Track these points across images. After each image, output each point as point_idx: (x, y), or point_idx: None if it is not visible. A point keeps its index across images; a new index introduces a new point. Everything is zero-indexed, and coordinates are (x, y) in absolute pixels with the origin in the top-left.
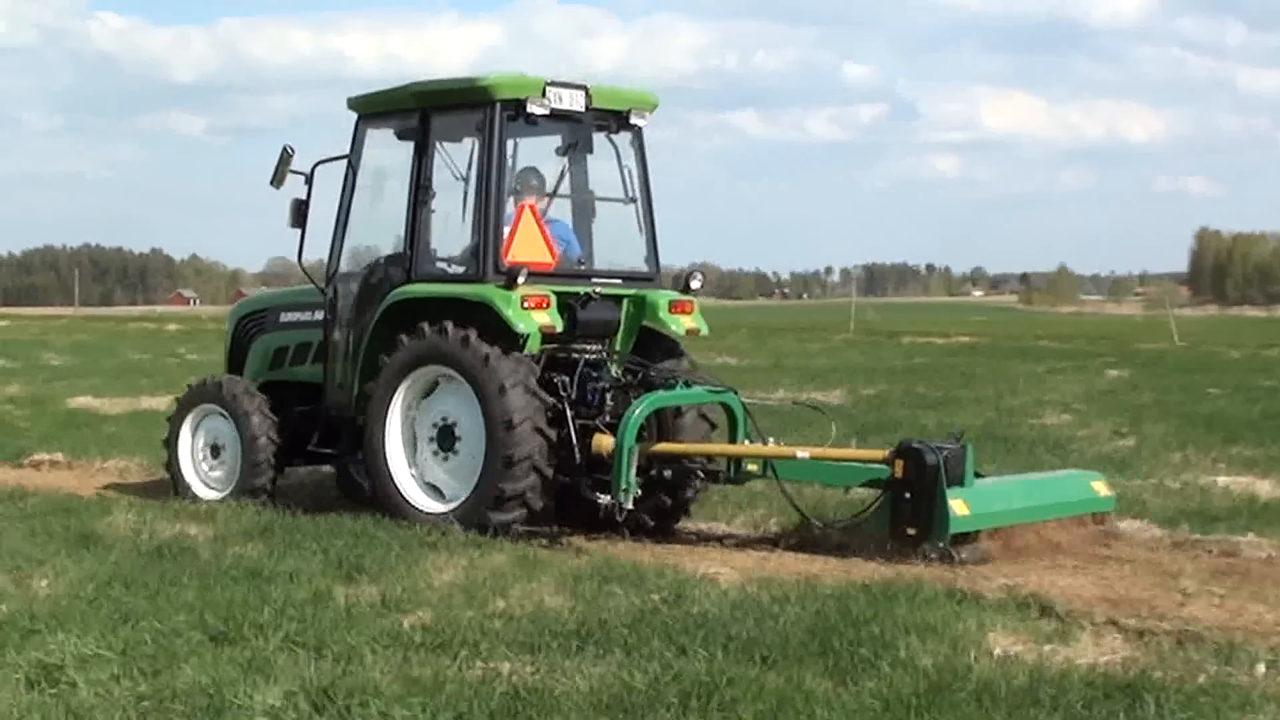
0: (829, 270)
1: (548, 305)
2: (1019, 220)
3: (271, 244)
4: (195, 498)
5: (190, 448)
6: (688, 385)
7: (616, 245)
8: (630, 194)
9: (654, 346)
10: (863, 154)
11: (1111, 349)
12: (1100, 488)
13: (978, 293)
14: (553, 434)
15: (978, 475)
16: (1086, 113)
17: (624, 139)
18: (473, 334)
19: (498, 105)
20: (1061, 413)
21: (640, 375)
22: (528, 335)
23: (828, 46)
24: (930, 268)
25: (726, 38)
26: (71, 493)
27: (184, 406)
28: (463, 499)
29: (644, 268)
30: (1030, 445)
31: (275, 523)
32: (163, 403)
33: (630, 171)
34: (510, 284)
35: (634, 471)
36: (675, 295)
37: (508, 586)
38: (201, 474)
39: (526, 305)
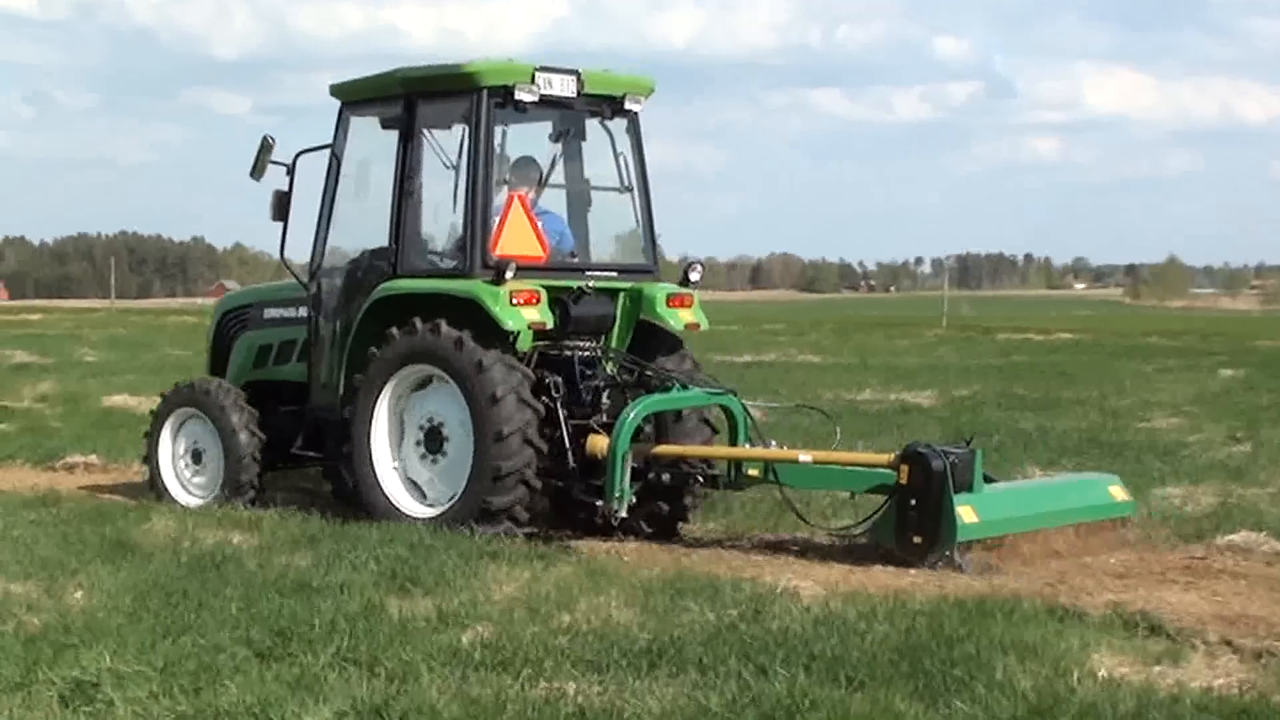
0: (918, 261)
1: (538, 301)
2: (1124, 207)
3: None
4: (180, 506)
5: (171, 454)
6: (685, 386)
7: (613, 237)
8: (626, 183)
9: (655, 343)
10: (955, 135)
11: (1225, 346)
12: (1118, 492)
13: (1079, 285)
14: (544, 445)
15: (988, 480)
16: (1198, 91)
17: (619, 125)
18: (467, 335)
19: (484, 92)
20: (1171, 416)
21: (636, 375)
22: (517, 333)
23: (917, 19)
24: (1028, 258)
25: (808, 10)
26: (107, 497)
27: (163, 411)
28: (447, 506)
29: (642, 260)
30: (1138, 452)
31: (324, 530)
32: None
33: (626, 159)
34: (498, 279)
35: (628, 478)
36: (673, 288)
37: (573, 600)
38: (184, 481)
39: (515, 301)
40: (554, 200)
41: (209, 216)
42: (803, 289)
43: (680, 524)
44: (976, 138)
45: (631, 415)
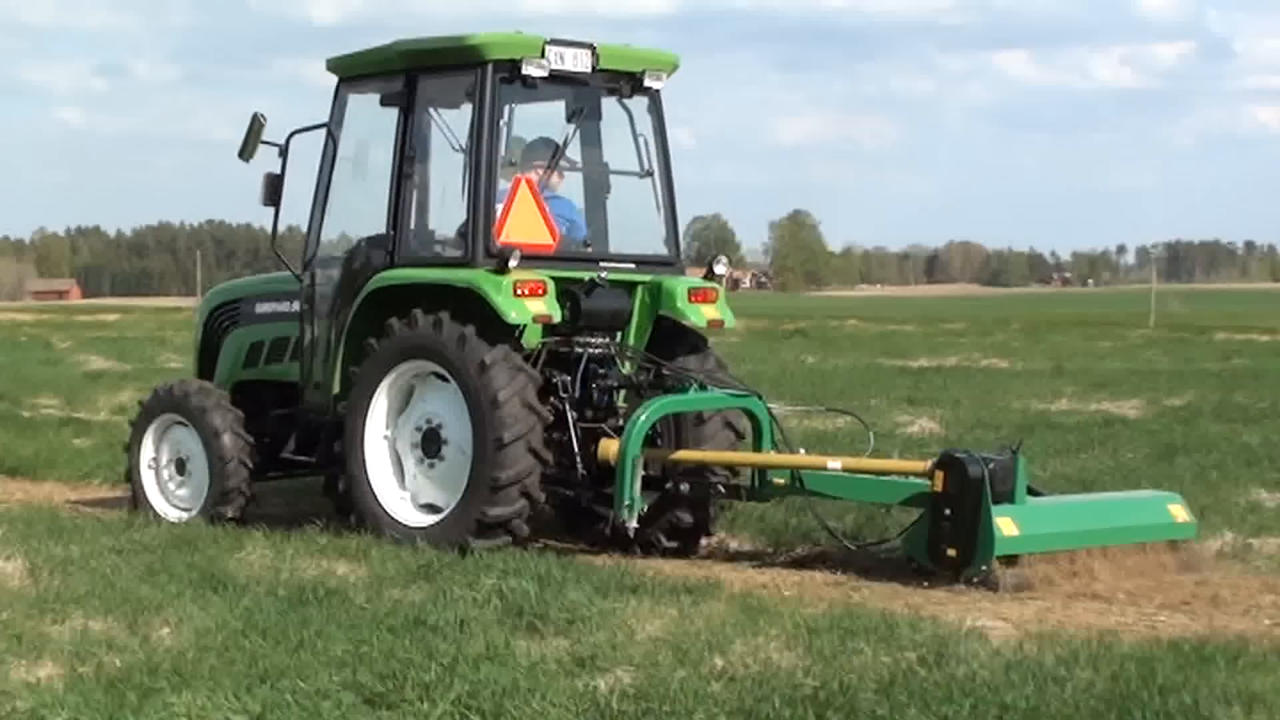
0: (1121, 250)
1: (544, 292)
2: None
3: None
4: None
5: (154, 464)
6: (703, 388)
7: (632, 226)
8: (646, 166)
9: (676, 341)
10: (1162, 104)
11: None
12: (1179, 512)
13: None
14: (548, 455)
15: (1033, 493)
16: None
17: (639, 104)
18: (470, 331)
19: (490, 67)
20: None
21: (652, 374)
22: (522, 326)
23: None
24: (1249, 246)
25: None
26: (196, 523)
27: (144, 418)
28: (443, 515)
29: (663, 251)
30: None
31: (440, 560)
32: None
33: (646, 140)
34: (501, 268)
35: (638, 486)
36: (696, 282)
37: (727, 641)
38: (167, 493)
39: (520, 292)
40: (568, 185)
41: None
42: (986, 283)
43: (703, 538)
44: (1188, 107)
45: (643, 418)
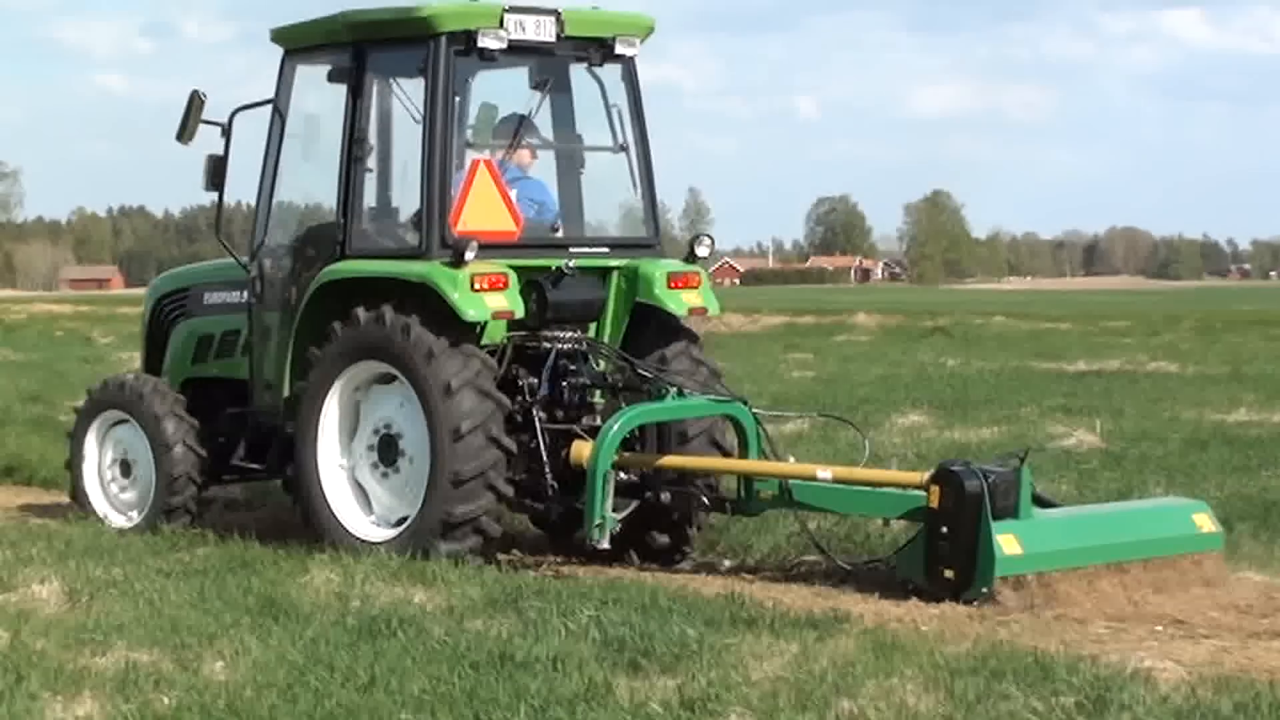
0: None
1: (505, 285)
2: None
3: None
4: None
5: (97, 466)
6: (681, 393)
7: (607, 206)
8: (620, 140)
9: (656, 331)
10: None
11: None
12: (1204, 521)
13: None
14: (512, 445)
15: (1047, 504)
16: None
17: (611, 73)
18: (415, 322)
19: (443, 39)
20: None
21: (626, 374)
22: (483, 323)
23: None
24: None
25: None
26: (250, 541)
27: (88, 411)
28: (406, 524)
29: (641, 232)
30: None
31: (528, 587)
32: None
33: (620, 112)
34: (457, 260)
35: (609, 502)
36: (677, 265)
37: (856, 682)
38: (111, 497)
39: (477, 286)
40: (540, 164)
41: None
42: (1153, 275)
43: (682, 553)
44: None
45: (614, 429)
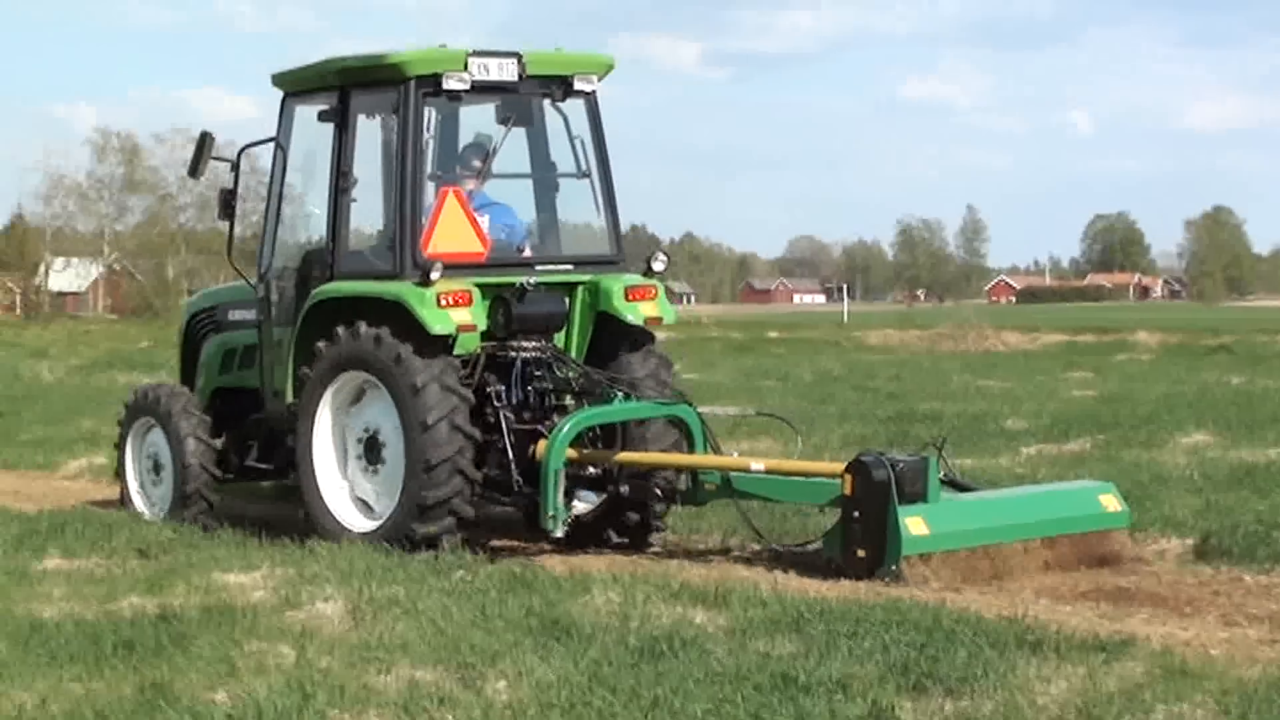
0: None
1: (469, 301)
2: None
3: (795, 220)
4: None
5: (137, 465)
6: (628, 396)
7: (573, 227)
8: (583, 168)
9: (619, 340)
10: None
11: None
12: (1110, 501)
13: None
14: (476, 432)
15: (962, 489)
16: None
17: (574, 106)
18: (385, 332)
19: (412, 83)
20: None
21: (579, 379)
22: (451, 335)
23: None
24: None
25: None
26: (531, 560)
27: (127, 420)
28: (380, 521)
29: (605, 250)
30: None
31: (810, 607)
32: None
33: (583, 142)
34: (425, 279)
35: (561, 496)
36: (634, 279)
37: (1145, 707)
38: (147, 492)
39: (444, 303)
40: (509, 191)
41: (651, 198)
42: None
43: (653, 533)
44: None
45: (565, 430)
